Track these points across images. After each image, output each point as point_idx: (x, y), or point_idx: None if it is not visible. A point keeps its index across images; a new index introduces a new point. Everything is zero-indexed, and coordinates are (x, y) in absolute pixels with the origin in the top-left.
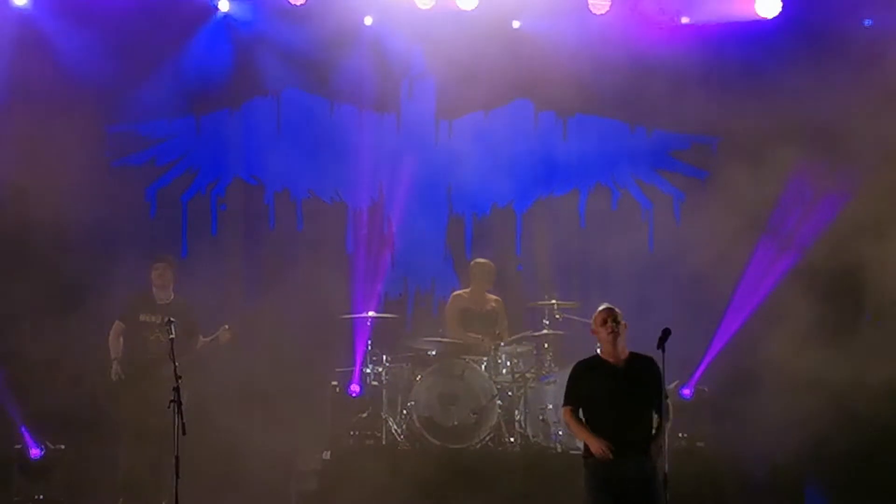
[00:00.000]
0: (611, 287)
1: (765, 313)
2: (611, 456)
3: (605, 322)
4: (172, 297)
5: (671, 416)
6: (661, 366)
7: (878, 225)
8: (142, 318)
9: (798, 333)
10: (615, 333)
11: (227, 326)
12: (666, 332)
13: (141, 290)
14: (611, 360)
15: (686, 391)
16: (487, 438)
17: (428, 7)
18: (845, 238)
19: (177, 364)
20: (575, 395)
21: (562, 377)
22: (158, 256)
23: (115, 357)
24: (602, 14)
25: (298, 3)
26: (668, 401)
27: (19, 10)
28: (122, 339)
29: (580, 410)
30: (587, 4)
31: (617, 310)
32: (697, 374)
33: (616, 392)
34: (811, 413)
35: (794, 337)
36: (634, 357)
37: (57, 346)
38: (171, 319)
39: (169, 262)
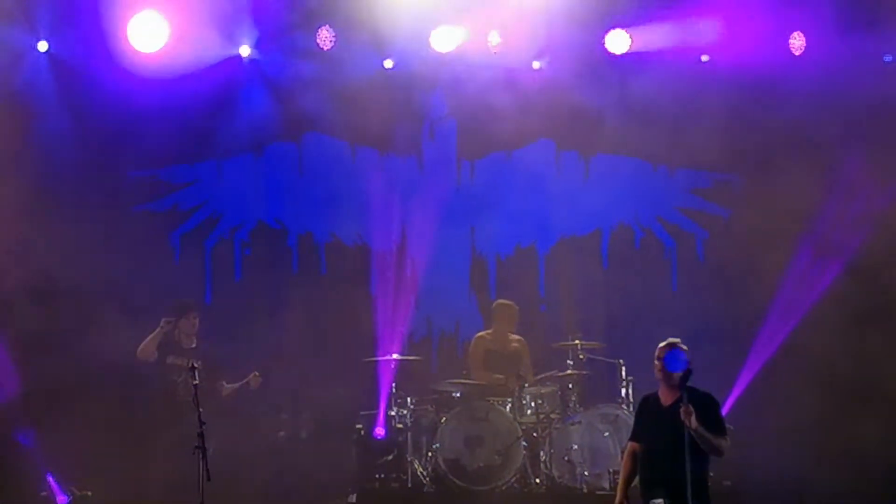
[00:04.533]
0: (635, 327)
1: (791, 349)
2: None
3: (656, 360)
4: (195, 343)
5: (723, 451)
6: (717, 403)
7: None
8: (170, 360)
9: (822, 369)
10: (662, 372)
11: (256, 373)
12: (688, 372)
13: (165, 335)
14: (661, 398)
15: None
16: (513, 480)
17: (447, 50)
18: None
19: (201, 410)
20: (634, 430)
21: (586, 418)
22: (192, 304)
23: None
24: (623, 54)
25: (326, 48)
26: (724, 440)
27: (40, 55)
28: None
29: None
30: (608, 44)
31: (670, 347)
32: (723, 411)
33: (658, 431)
34: (842, 451)
35: (819, 372)
36: (688, 395)
37: (79, 391)
38: (195, 365)
39: (199, 309)
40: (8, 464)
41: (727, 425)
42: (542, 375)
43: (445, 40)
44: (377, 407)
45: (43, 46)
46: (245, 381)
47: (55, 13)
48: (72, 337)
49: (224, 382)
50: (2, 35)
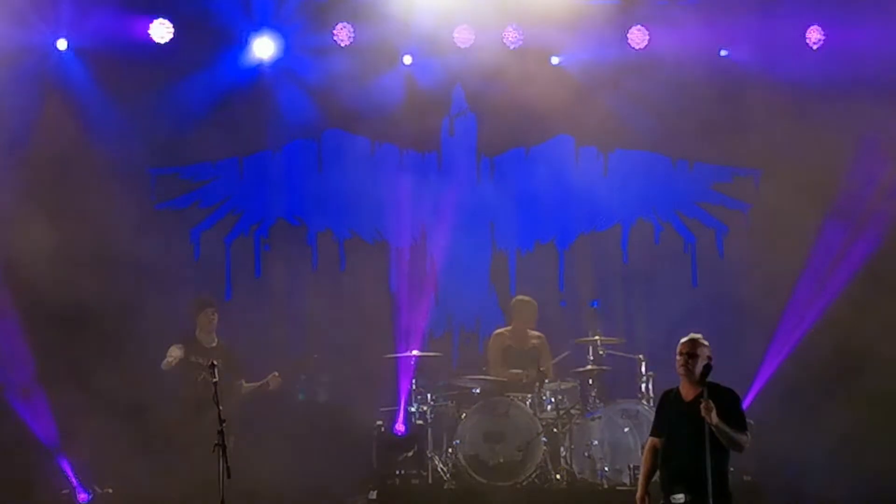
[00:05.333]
0: (655, 322)
1: (812, 343)
2: None
3: (678, 355)
4: (216, 340)
5: (744, 446)
6: (738, 398)
7: None
8: (192, 358)
9: (844, 363)
10: (685, 367)
11: (276, 373)
12: (707, 368)
13: (185, 333)
14: (682, 393)
15: None
16: (533, 476)
17: (466, 46)
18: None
19: (221, 408)
20: (655, 425)
21: (606, 413)
22: (209, 300)
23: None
24: (641, 48)
25: (345, 45)
26: (745, 435)
27: (61, 54)
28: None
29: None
30: (626, 39)
31: (693, 342)
32: (742, 407)
33: (679, 427)
34: (864, 446)
35: (840, 367)
36: (709, 390)
37: (101, 390)
38: (215, 363)
39: (217, 305)
40: (28, 459)
41: (748, 420)
42: (559, 357)
43: (464, 36)
44: (397, 403)
45: (62, 45)
46: (264, 381)
47: (74, 10)
48: (91, 336)
49: (243, 381)
50: (21, 35)
